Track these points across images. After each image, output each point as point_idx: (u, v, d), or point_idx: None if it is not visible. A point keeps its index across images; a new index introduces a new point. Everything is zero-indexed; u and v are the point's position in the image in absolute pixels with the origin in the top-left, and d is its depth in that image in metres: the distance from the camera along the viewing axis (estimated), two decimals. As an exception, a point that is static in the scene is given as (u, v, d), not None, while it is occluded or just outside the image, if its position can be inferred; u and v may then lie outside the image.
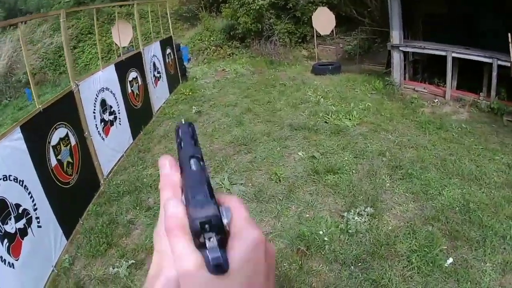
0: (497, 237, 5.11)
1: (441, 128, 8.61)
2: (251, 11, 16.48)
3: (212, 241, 0.53)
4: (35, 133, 5.19)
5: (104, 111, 7.35)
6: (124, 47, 11.04)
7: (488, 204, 5.82)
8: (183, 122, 0.67)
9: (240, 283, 0.54)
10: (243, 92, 11.92)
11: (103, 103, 7.35)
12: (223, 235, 0.55)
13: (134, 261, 5.16)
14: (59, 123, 5.78)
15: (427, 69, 12.53)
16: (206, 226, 0.53)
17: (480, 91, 10.27)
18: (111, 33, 15.78)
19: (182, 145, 0.63)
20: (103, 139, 7.24)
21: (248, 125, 9.18)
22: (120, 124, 8.03)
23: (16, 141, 4.78)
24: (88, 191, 6.59)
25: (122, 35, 10.02)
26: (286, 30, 17.49)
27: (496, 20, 9.84)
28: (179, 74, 13.38)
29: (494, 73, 9.62)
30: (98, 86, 7.22)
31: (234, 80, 13.55)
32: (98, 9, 18.41)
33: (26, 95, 16.69)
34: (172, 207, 0.58)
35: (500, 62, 9.47)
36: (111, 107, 7.65)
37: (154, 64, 10.69)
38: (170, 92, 12.05)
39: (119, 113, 8.01)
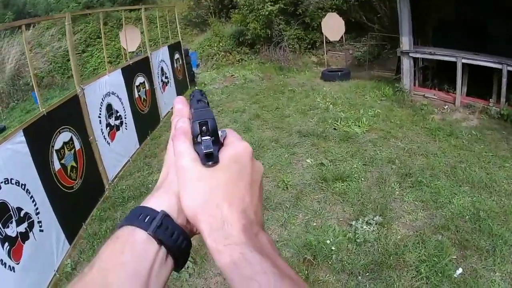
0: (506, 246, 4.98)
1: (451, 135, 8.47)
2: (260, 17, 16.52)
3: (207, 139, 0.62)
4: (38, 137, 5.14)
5: (110, 116, 7.30)
6: (132, 52, 11.03)
7: (498, 212, 5.69)
8: (196, 89, 0.82)
9: (227, 178, 0.61)
10: (251, 98, 11.87)
11: (109, 107, 7.30)
12: (217, 141, 0.64)
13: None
14: (63, 127, 5.73)
15: (436, 76, 12.40)
16: (204, 128, 0.63)
17: (490, 97, 10.14)
18: (120, 37, 15.82)
19: (192, 97, 0.77)
20: (109, 143, 7.18)
21: (256, 131, 9.11)
22: (126, 129, 7.98)
23: (18, 144, 4.72)
24: (93, 196, 6.52)
25: (129, 40, 10.02)
26: (295, 36, 17.52)
27: (506, 26, 9.73)
28: (188, 79, 13.34)
29: (504, 79, 9.51)
30: (104, 90, 7.17)
31: (242, 86, 13.52)
32: (107, 13, 18.55)
33: (33, 98, 16.76)
34: (180, 123, 0.68)
35: (510, 68, 9.37)
36: (117, 111, 7.59)
37: (162, 69, 10.66)
38: (178, 97, 11.95)
39: (125, 118, 7.96)
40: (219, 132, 0.65)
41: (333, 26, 14.48)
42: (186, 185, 0.61)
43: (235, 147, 0.65)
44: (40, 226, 4.91)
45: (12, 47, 19.66)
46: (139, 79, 8.86)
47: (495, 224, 5.36)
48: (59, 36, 21.21)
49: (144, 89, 9.13)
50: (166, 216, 0.60)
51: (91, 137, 6.50)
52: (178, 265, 0.62)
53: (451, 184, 6.44)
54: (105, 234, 5.70)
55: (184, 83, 12.97)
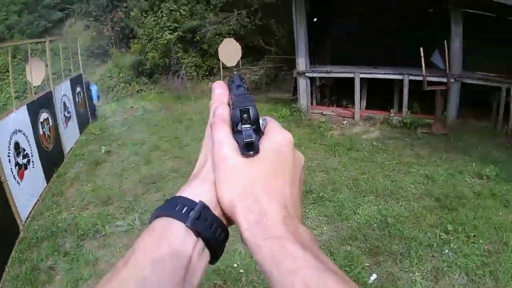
0: (422, 247, 5.40)
1: (351, 149, 9.08)
2: (159, 45, 16.72)
3: (248, 128, 0.61)
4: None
5: (18, 155, 7.05)
6: (36, 86, 10.69)
7: (408, 216, 6.16)
8: (235, 73, 0.81)
9: (267, 170, 0.60)
10: (150, 129, 11.98)
11: (17, 145, 7.05)
12: (258, 129, 0.62)
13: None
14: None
15: (335, 93, 13.14)
16: (245, 115, 0.61)
17: (391, 108, 10.93)
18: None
19: (232, 82, 0.74)
20: (19, 183, 6.93)
21: (157, 162, 9.20)
22: (33, 167, 7.71)
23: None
24: (9, 238, 6.26)
25: (34, 74, 9.73)
26: (193, 64, 17.93)
27: (404, 38, 10.67)
28: (89, 113, 13.09)
29: (406, 89, 10.37)
30: (12, 128, 6.96)
31: (142, 118, 13.55)
32: (15, 46, 17.60)
33: None
34: (220, 109, 0.67)
35: (411, 77, 10.20)
36: (24, 150, 7.35)
37: (64, 103, 10.43)
38: (81, 132, 11.75)
39: (32, 156, 7.70)
40: (260, 121, 0.64)
41: (230, 51, 14.65)
42: (224, 175, 0.60)
43: (276, 137, 0.64)
44: None
45: None
46: (43, 115, 8.63)
47: (405, 228, 5.86)
48: None
49: (48, 125, 8.89)
50: (204, 207, 0.58)
51: (2, 177, 6.27)
52: (215, 258, 0.61)
53: (354, 196, 6.96)
54: (26, 276, 5.52)
55: (86, 117, 12.71)
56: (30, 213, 7.18)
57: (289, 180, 0.62)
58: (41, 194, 7.88)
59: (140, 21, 17.45)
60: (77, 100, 11.77)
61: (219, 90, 0.73)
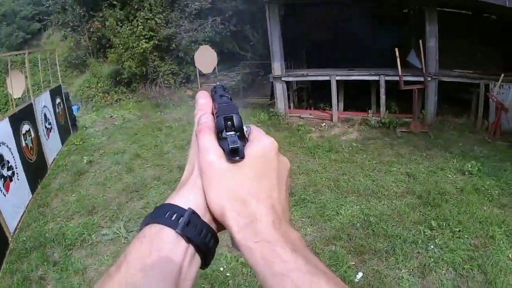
0: (407, 244, 5.50)
1: (331, 151, 9.19)
2: (135, 54, 16.77)
3: (232, 135, 0.63)
4: None
5: (2, 167, 7.09)
6: (18, 98, 10.68)
7: (391, 214, 6.29)
8: (218, 84, 0.84)
9: (253, 174, 0.62)
10: (130, 138, 12.01)
11: (1, 158, 7.11)
12: (242, 136, 0.65)
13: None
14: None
15: (313, 96, 13.31)
16: (229, 123, 0.63)
17: (369, 108, 11.07)
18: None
19: (215, 92, 0.78)
20: (5, 195, 6.96)
21: (138, 170, 9.25)
22: (18, 179, 7.73)
23: None
24: (-1, 249, 6.34)
25: (15, 86, 9.74)
26: (170, 71, 17.99)
27: (379, 39, 10.80)
28: (70, 124, 13.07)
29: (382, 89, 10.53)
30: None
31: (122, 127, 13.52)
32: None
33: None
34: (204, 118, 0.69)
35: (387, 78, 10.36)
36: (8, 162, 7.38)
37: (45, 115, 10.42)
38: (62, 143, 11.74)
39: (16, 168, 7.72)
40: (244, 128, 0.66)
41: (206, 58, 14.74)
42: (212, 181, 0.61)
43: (260, 142, 0.66)
44: None
45: None
46: (25, 127, 8.65)
47: (389, 226, 5.96)
48: None
49: (30, 137, 8.89)
50: (193, 213, 0.59)
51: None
52: (206, 263, 0.62)
53: (336, 197, 7.08)
54: (18, 286, 5.60)
55: (67, 128, 12.68)
56: (17, 225, 7.22)
57: (275, 184, 0.64)
58: (27, 206, 7.91)
59: (116, 31, 17.49)
60: (57, 111, 11.75)
61: (203, 100, 0.76)
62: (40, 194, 8.57)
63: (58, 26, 21.38)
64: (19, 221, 7.36)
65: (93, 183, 8.71)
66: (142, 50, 16.62)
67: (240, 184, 0.61)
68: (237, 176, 0.61)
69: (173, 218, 0.58)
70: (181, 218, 0.58)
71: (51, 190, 8.75)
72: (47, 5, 21.65)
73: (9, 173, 7.40)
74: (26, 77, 10.41)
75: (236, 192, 0.60)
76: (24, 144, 8.45)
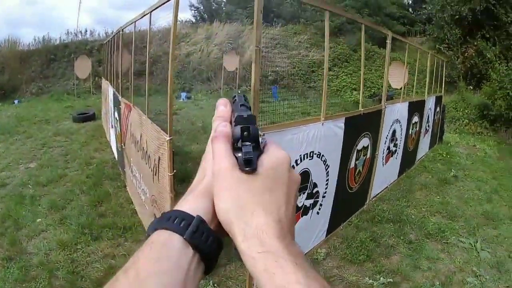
0: None
1: None
2: (507, 96, 15.89)
3: (247, 145, 0.63)
4: (352, 131, 5.69)
5: (391, 141, 7.71)
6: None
7: None
8: (239, 93, 0.81)
9: (264, 186, 0.62)
10: (491, 172, 11.30)
11: (394, 133, 7.73)
12: (257, 147, 0.64)
13: (391, 280, 5.25)
14: (366, 132, 6.28)
15: None
16: (245, 133, 0.64)
17: None
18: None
19: (235, 101, 0.76)
20: (383, 165, 7.59)
21: (495, 205, 8.56)
22: (396, 158, 8.35)
23: (339, 129, 5.34)
24: (356, 205, 6.99)
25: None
26: None
27: None
28: (438, 135, 13.30)
29: None
30: (396, 116, 7.64)
31: (483, 159, 12.97)
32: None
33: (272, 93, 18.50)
34: (222, 126, 0.69)
35: None
36: (396, 139, 7.99)
37: (428, 116, 10.86)
38: (429, 148, 12.09)
39: (399, 148, 8.39)
40: (260, 139, 0.66)
41: None
42: (223, 189, 0.62)
43: (274, 155, 0.66)
44: (319, 209, 5.39)
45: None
46: (415, 118, 9.22)
47: None
48: (307, 45, 23.33)
49: (415, 129, 9.46)
50: (201, 221, 0.60)
51: (377, 153, 6.96)
52: (209, 270, 0.62)
53: None
54: (363, 241, 6.11)
55: (436, 137, 12.99)
56: (377, 194, 7.85)
57: (285, 198, 0.63)
58: (391, 183, 8.55)
59: (493, 66, 17.03)
60: (435, 117, 12.08)
61: (223, 107, 0.75)
62: (404, 180, 9.08)
63: (432, 37, 21.84)
64: (380, 192, 7.98)
65: (456, 195, 8.70)
66: None
67: (251, 195, 0.61)
68: (248, 187, 0.61)
69: (181, 225, 0.59)
70: (190, 225, 0.59)
71: (416, 182, 9.15)
72: (413, 12, 22.31)
73: (394, 149, 7.99)
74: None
75: (246, 201, 0.60)
76: (410, 133, 8.96)
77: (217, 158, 0.65)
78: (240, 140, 0.65)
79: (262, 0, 3.40)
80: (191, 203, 0.64)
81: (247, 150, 0.63)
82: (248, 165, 0.62)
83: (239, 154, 0.63)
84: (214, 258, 0.62)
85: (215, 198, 0.62)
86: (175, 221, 0.59)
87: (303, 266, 0.55)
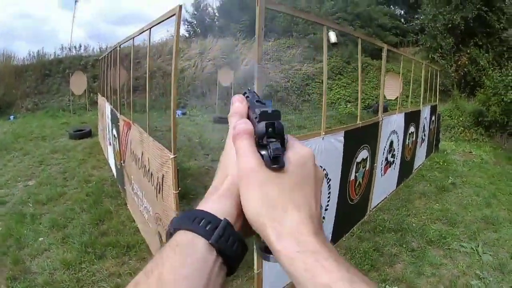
0: None
1: None
2: (501, 102, 16.05)
3: (274, 142, 0.62)
4: (351, 143, 5.76)
5: (389, 152, 7.79)
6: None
7: None
8: (249, 89, 0.81)
9: (293, 183, 0.61)
10: (488, 178, 11.42)
11: (391, 144, 7.82)
12: (283, 143, 0.63)
13: (396, 287, 5.32)
14: (365, 145, 6.35)
15: None
16: (270, 129, 0.62)
17: None
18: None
19: (247, 96, 0.77)
20: (381, 176, 7.65)
21: (495, 209, 8.71)
22: (394, 169, 8.42)
23: (339, 143, 5.40)
24: (357, 215, 7.02)
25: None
26: None
27: None
28: (434, 143, 13.41)
29: None
30: (392, 127, 7.74)
31: (480, 165, 13.08)
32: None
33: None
34: (242, 123, 0.68)
35: None
36: (394, 150, 8.07)
37: (424, 125, 10.95)
38: (426, 156, 12.18)
39: (397, 158, 8.48)
40: (285, 135, 0.64)
41: None
42: (250, 188, 0.60)
43: (299, 151, 0.65)
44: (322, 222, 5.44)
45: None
46: (411, 129, 9.30)
47: None
48: (301, 59, 23.54)
49: (412, 139, 9.54)
50: (228, 224, 0.59)
51: (375, 164, 7.02)
52: (232, 272, 0.61)
53: None
54: (366, 251, 6.15)
55: (432, 145, 13.08)
56: (377, 204, 7.89)
57: (313, 194, 0.63)
58: (390, 193, 8.61)
59: (487, 73, 17.26)
60: (430, 127, 12.18)
61: (239, 104, 0.74)
62: (402, 190, 9.14)
63: (425, 47, 22.06)
64: (379, 202, 8.03)
65: (455, 202, 8.78)
66: (509, 101, 15.72)
67: (280, 193, 0.59)
68: (277, 185, 0.60)
69: (207, 227, 0.57)
70: (216, 229, 0.57)
71: (415, 191, 9.22)
72: (405, 23, 22.75)
73: (392, 159, 8.05)
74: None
75: (276, 200, 0.59)
76: (407, 143, 9.05)
77: (242, 157, 0.63)
78: (265, 136, 0.62)
79: (264, 16, 3.44)
80: (215, 204, 0.62)
81: (275, 146, 0.61)
82: (276, 162, 0.61)
83: (264, 152, 0.62)
84: (238, 261, 0.61)
85: (242, 198, 0.61)
86: (200, 223, 0.58)
87: (343, 263, 0.54)
